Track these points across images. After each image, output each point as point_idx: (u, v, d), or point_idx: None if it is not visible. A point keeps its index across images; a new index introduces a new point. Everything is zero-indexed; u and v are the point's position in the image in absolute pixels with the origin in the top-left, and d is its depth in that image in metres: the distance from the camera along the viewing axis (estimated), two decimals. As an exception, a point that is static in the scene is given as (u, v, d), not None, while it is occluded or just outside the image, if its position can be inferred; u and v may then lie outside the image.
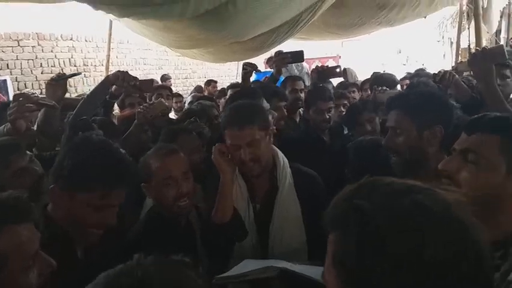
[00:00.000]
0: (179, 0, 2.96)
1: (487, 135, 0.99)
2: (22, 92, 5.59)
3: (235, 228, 1.58)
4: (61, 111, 2.17)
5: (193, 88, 8.83)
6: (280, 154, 1.73)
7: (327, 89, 2.98)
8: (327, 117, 2.58)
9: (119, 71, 2.49)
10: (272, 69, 7.25)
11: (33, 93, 2.36)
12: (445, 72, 2.48)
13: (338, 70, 3.42)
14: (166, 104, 3.68)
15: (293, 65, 5.29)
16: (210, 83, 6.72)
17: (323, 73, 3.46)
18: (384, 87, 2.64)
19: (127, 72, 2.42)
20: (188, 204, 1.58)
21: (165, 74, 8.60)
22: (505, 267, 0.89)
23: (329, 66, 3.90)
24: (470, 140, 1.01)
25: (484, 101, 1.95)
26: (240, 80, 9.67)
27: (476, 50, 2.19)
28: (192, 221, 1.67)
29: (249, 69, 3.07)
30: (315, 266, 1.23)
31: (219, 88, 7.16)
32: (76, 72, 2.34)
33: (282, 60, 3.00)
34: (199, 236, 1.63)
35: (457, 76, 2.45)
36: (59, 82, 2.16)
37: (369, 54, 24.86)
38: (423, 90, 2.21)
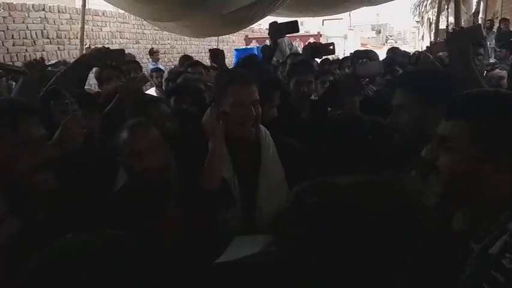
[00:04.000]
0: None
1: (460, 122, 0.99)
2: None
3: (222, 196, 1.58)
4: (40, 85, 2.11)
5: (171, 64, 8.70)
6: (261, 125, 1.74)
7: (309, 62, 2.94)
8: (306, 90, 2.57)
9: (95, 49, 2.41)
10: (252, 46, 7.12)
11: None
12: (419, 53, 2.53)
13: (331, 47, 3.37)
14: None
15: (285, 44, 5.26)
16: (188, 58, 6.59)
17: (316, 50, 3.37)
18: (365, 60, 2.63)
19: (105, 51, 2.34)
20: (157, 177, 1.56)
21: (153, 48, 8.55)
22: (488, 239, 0.90)
23: (322, 43, 3.84)
24: (446, 126, 1.02)
25: (456, 80, 1.98)
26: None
27: (453, 29, 2.21)
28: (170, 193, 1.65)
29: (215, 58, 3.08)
30: None
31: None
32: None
33: (277, 31, 2.99)
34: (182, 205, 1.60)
35: (431, 57, 2.49)
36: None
37: (350, 33, 24.88)
38: (428, 68, 2.21)
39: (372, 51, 4.20)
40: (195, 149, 1.77)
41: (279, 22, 3.09)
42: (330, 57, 4.83)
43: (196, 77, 3.13)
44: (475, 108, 0.98)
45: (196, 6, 3.86)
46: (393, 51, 4.47)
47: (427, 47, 3.09)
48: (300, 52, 4.64)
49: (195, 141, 1.87)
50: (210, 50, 3.18)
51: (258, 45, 11.49)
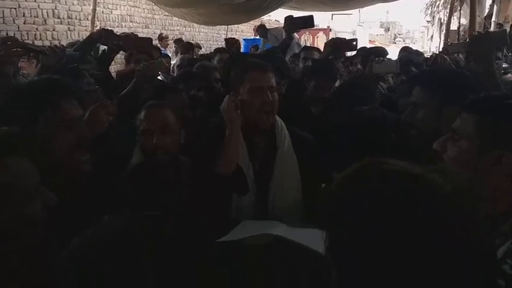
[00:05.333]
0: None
1: (467, 115, 1.03)
2: (10, 36, 5.40)
3: (237, 182, 1.62)
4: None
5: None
6: (277, 116, 1.77)
7: (336, 67, 2.77)
8: (326, 95, 2.50)
9: (103, 29, 2.51)
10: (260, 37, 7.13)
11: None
12: (437, 56, 2.54)
13: (354, 43, 3.18)
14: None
15: (282, 34, 5.26)
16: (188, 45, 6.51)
17: (339, 46, 3.18)
18: (381, 58, 2.59)
19: (111, 31, 2.44)
20: (165, 156, 1.60)
21: (162, 33, 8.50)
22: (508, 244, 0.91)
23: (346, 38, 3.66)
24: (458, 120, 1.06)
25: (472, 80, 1.99)
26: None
27: (478, 32, 2.23)
28: (182, 175, 1.67)
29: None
30: (311, 228, 1.26)
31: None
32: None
33: (292, 25, 3.02)
34: (193, 190, 1.64)
35: (448, 60, 2.49)
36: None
37: (358, 29, 24.69)
38: (449, 68, 2.23)
39: (382, 47, 4.15)
40: (208, 135, 1.81)
41: (294, 16, 3.10)
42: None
43: (213, 65, 3.15)
44: (486, 105, 1.04)
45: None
46: (406, 51, 4.45)
47: (443, 48, 3.09)
48: (298, 43, 4.63)
49: (208, 127, 1.92)
50: (225, 39, 3.21)
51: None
